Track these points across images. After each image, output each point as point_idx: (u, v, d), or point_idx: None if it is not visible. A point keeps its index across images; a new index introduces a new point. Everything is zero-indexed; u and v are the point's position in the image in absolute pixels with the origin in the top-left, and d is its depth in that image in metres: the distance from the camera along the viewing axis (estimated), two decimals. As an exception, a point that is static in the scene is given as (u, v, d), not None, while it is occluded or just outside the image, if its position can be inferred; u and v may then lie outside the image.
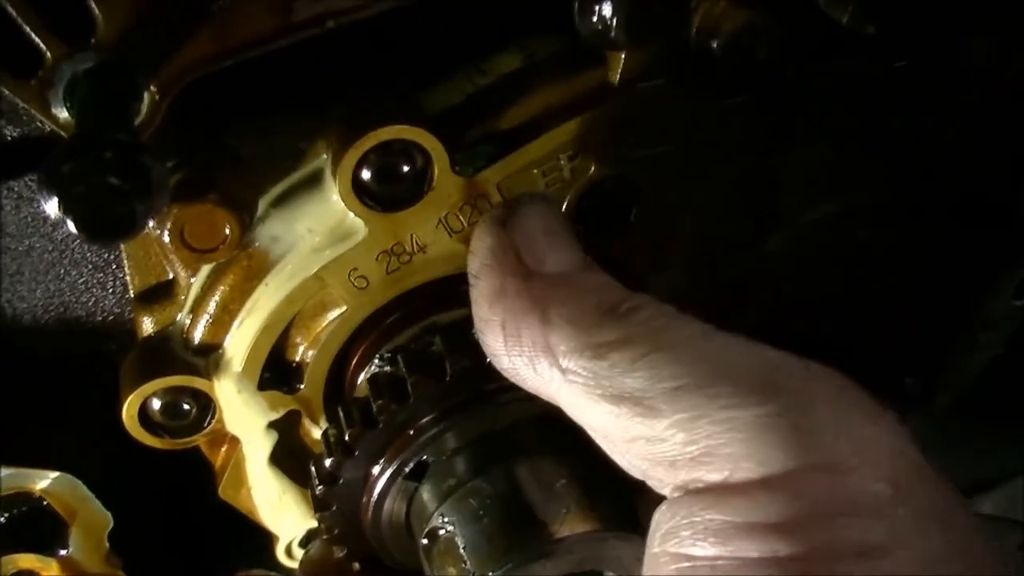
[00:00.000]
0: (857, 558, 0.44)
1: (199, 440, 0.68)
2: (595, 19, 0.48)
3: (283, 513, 0.72)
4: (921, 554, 0.45)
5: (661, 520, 0.48)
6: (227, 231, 0.58)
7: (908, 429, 0.50)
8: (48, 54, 0.50)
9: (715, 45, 0.64)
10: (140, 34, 0.50)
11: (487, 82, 0.66)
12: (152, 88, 0.52)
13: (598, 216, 0.67)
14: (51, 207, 0.46)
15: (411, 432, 0.59)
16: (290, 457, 0.71)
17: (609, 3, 0.48)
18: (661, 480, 0.49)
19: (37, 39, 0.50)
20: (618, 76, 0.62)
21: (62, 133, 0.53)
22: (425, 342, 0.63)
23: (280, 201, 0.62)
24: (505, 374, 0.55)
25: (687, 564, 0.46)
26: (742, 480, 0.46)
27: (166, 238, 0.58)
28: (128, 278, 0.66)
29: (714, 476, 0.47)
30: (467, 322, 0.59)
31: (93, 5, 0.49)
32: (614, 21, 0.48)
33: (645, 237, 0.69)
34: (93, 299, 0.72)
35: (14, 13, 0.49)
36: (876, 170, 0.77)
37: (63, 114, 0.52)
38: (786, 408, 0.47)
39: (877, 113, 0.74)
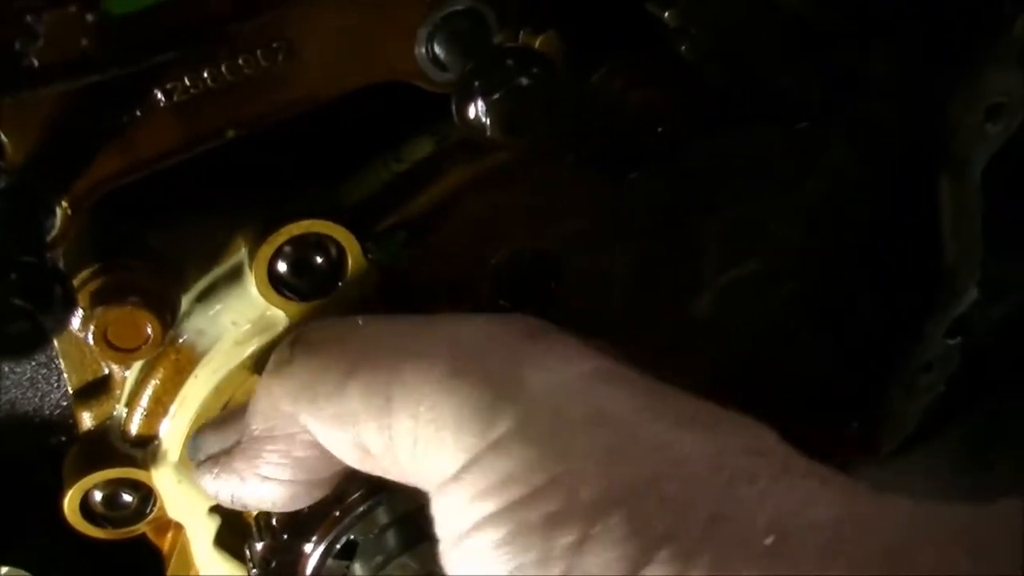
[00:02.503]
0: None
1: (143, 528, 0.70)
2: (470, 120, 0.51)
3: (232, 593, 0.74)
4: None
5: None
6: (149, 331, 0.60)
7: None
8: (-41, 180, 0.53)
9: (616, 123, 0.67)
10: (47, 155, 0.53)
11: (402, 169, 0.69)
12: (64, 204, 0.55)
13: (518, 290, 0.69)
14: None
15: (337, 513, 0.61)
16: (237, 537, 0.73)
17: (482, 105, 0.50)
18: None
19: (-54, 166, 0.52)
20: (521, 159, 0.65)
21: (-22, 251, 0.55)
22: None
23: (203, 296, 0.65)
24: None
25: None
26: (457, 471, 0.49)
27: (91, 340, 0.60)
28: (66, 376, 0.69)
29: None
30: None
31: (-1, 131, 0.52)
32: (487, 122, 0.50)
33: (567, 308, 0.71)
34: (39, 394, 0.74)
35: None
36: (793, 227, 0.79)
37: (-22, 233, 0.55)
38: (470, 384, 0.50)
39: (787, 172, 0.77)
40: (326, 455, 0.56)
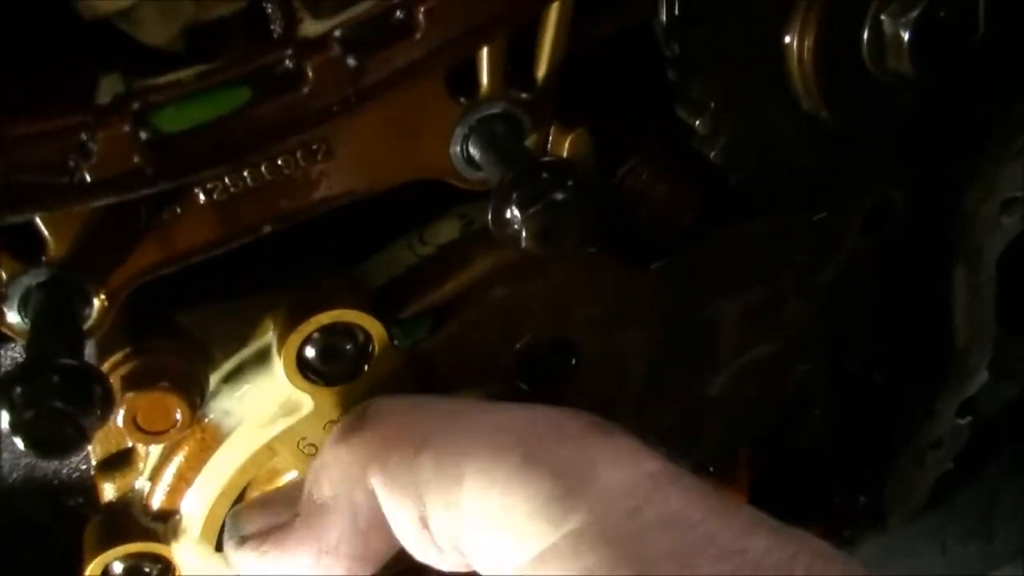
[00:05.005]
0: None
1: (161, 599, 0.71)
2: (505, 229, 0.52)
3: (246, 662, 0.75)
4: None
5: None
6: (178, 415, 0.61)
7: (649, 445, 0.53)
8: (2, 273, 0.54)
9: (639, 215, 0.68)
10: (87, 251, 0.54)
11: (427, 252, 0.69)
12: (101, 295, 0.56)
13: (537, 375, 0.70)
14: (2, 422, 0.50)
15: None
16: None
17: (517, 216, 0.51)
18: None
19: (-8, 260, 0.53)
20: (547, 251, 0.66)
21: (18, 339, 0.56)
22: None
23: (230, 377, 0.66)
24: None
25: None
26: None
27: (120, 423, 0.61)
28: (89, 447, 0.70)
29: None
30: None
31: (42, 228, 0.53)
32: (522, 233, 0.51)
33: (586, 393, 0.72)
34: (59, 457, 0.75)
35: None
36: (809, 310, 0.80)
37: (17, 320, 0.56)
38: (544, 473, 0.50)
39: (806, 258, 0.78)
40: (385, 532, 0.55)
